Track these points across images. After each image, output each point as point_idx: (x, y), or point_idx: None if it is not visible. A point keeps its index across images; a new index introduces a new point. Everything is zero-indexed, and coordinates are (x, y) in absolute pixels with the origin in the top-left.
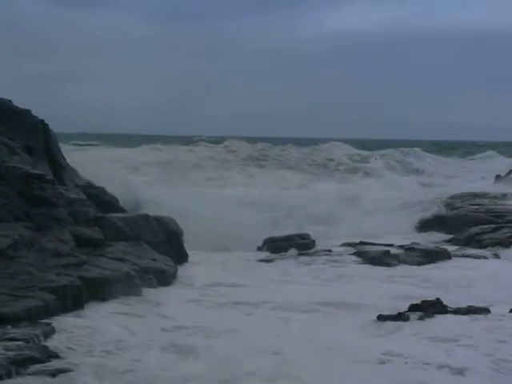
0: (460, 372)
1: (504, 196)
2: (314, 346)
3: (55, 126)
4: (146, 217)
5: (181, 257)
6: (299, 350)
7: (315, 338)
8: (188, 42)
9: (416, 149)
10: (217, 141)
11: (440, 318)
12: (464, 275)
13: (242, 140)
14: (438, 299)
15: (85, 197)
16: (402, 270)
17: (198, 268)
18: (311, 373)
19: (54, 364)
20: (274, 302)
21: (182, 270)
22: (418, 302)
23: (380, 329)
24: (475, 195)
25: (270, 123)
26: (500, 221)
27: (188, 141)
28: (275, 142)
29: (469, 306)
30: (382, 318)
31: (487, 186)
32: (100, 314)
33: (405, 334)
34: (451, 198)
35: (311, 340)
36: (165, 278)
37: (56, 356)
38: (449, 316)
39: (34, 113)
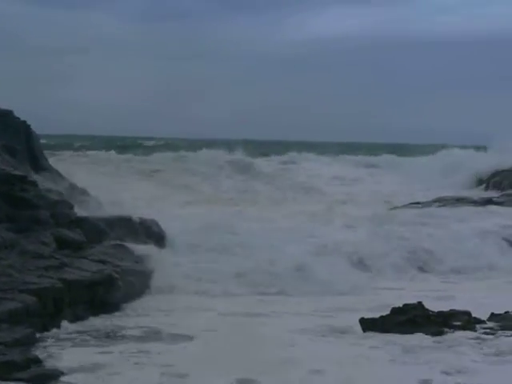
0: None
1: None
2: None
3: (38, 128)
4: (129, 219)
5: None
6: None
7: None
8: (172, 44)
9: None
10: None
11: None
12: None
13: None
14: (419, 303)
15: (66, 198)
16: None
17: None
18: None
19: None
20: None
21: None
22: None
23: None
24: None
25: (253, 125)
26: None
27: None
28: (258, 144)
29: (451, 310)
30: (364, 321)
31: None
32: None
33: None
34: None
35: None
36: (147, 281)
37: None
38: None
39: (17, 114)
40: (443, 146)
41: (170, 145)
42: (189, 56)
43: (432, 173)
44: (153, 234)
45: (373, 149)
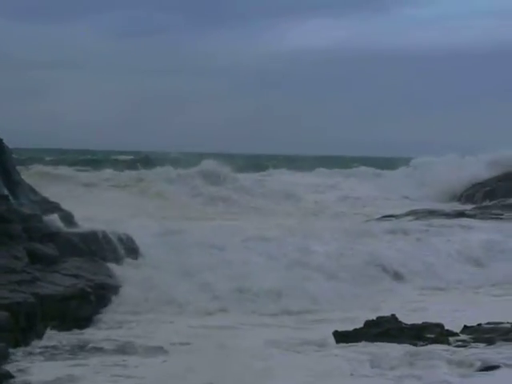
0: None
1: None
2: None
3: (10, 142)
4: (102, 233)
5: None
6: None
7: None
8: (149, 58)
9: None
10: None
11: None
12: None
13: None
14: (393, 315)
15: (40, 212)
16: None
17: None
18: None
19: None
20: None
21: None
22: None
23: None
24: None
25: (231, 139)
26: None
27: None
28: (236, 157)
29: (424, 323)
30: (338, 334)
31: None
32: None
33: None
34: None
35: None
36: (120, 295)
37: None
38: None
39: None
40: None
41: (147, 158)
42: (166, 70)
43: (408, 185)
44: (126, 247)
45: (349, 162)
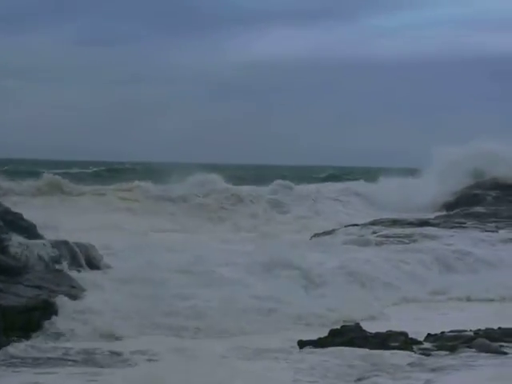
0: None
1: None
2: None
3: None
4: (66, 243)
5: None
6: None
7: None
8: (113, 67)
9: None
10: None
11: None
12: None
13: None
14: (357, 324)
15: (1, 223)
16: None
17: None
18: None
19: None
20: None
21: None
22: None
23: None
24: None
25: (194, 149)
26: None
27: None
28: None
29: (388, 331)
30: (302, 343)
31: None
32: None
33: None
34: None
35: None
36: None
37: None
38: None
39: None
40: (379, 169)
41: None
42: (129, 80)
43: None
44: (90, 258)
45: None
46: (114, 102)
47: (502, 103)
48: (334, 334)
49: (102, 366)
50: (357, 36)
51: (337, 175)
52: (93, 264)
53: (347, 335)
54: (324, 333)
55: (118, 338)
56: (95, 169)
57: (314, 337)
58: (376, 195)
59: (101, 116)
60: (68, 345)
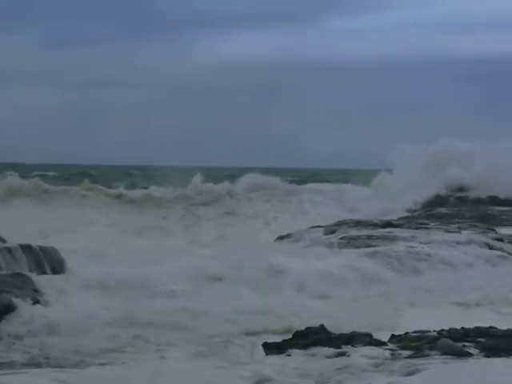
0: None
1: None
2: None
3: None
4: (29, 247)
5: None
6: None
7: None
8: (79, 69)
9: None
10: None
11: None
12: None
13: None
14: (322, 326)
15: None
16: None
17: None
18: None
19: None
20: None
21: None
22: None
23: None
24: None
25: (157, 151)
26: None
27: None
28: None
29: (352, 332)
30: (267, 346)
31: None
32: None
33: None
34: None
35: None
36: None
37: None
38: None
39: None
40: (343, 171)
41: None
42: (94, 82)
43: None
44: (53, 262)
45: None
46: (79, 104)
47: (465, 104)
48: (298, 335)
49: (62, 367)
50: (321, 38)
51: (301, 177)
52: (56, 268)
53: (312, 337)
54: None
55: (80, 340)
56: (54, 173)
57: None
58: (343, 197)
59: (64, 118)
60: (29, 347)
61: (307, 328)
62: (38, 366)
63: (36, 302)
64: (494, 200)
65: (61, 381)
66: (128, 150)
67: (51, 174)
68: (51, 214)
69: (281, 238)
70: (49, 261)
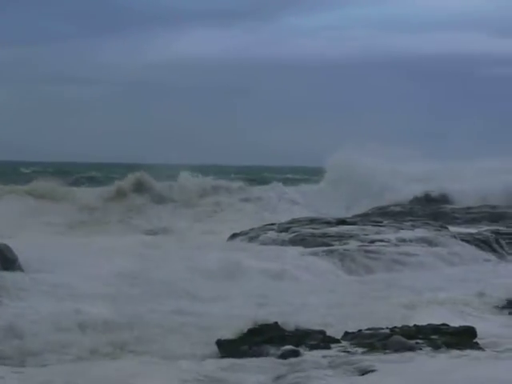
0: None
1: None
2: None
3: None
4: None
5: None
6: None
7: None
8: (32, 67)
9: None
10: None
11: None
12: None
13: None
14: (275, 323)
15: None
16: None
17: None
18: None
19: None
20: None
21: None
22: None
23: None
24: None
25: (113, 149)
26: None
27: None
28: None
29: (306, 329)
30: (221, 343)
31: None
32: None
33: None
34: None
35: None
36: None
37: None
38: None
39: None
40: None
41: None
42: (51, 79)
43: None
44: (5, 259)
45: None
46: (36, 101)
47: (419, 103)
48: (252, 332)
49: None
50: (274, 36)
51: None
52: (7, 265)
53: (266, 334)
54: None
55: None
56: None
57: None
58: (297, 195)
59: (21, 115)
60: None
61: (261, 325)
62: None
63: None
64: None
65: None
66: (79, 147)
67: None
68: None
69: (235, 235)
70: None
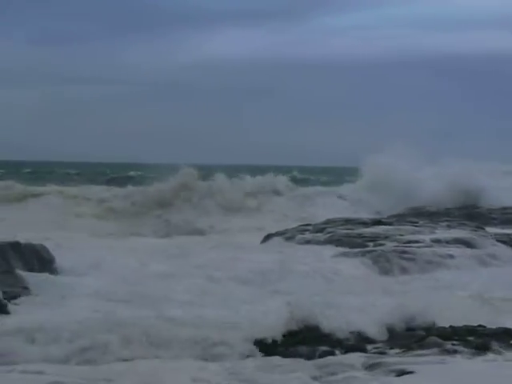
0: None
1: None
2: None
3: None
4: (17, 244)
5: None
6: None
7: None
8: (65, 67)
9: None
10: None
11: None
12: None
13: None
14: (311, 324)
15: None
16: None
17: None
18: None
19: None
20: None
21: None
22: None
23: None
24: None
25: (146, 149)
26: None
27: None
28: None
29: (343, 330)
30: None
31: None
32: None
33: None
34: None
35: None
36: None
37: None
38: None
39: None
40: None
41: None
42: (79, 79)
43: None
44: (43, 260)
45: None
46: (62, 101)
47: (447, 102)
48: (289, 333)
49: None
50: (305, 36)
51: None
52: (45, 266)
53: (302, 334)
54: None
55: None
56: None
57: None
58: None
59: (48, 116)
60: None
61: (297, 326)
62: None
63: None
64: None
65: None
66: (107, 147)
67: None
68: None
69: (270, 235)
70: (37, 258)
